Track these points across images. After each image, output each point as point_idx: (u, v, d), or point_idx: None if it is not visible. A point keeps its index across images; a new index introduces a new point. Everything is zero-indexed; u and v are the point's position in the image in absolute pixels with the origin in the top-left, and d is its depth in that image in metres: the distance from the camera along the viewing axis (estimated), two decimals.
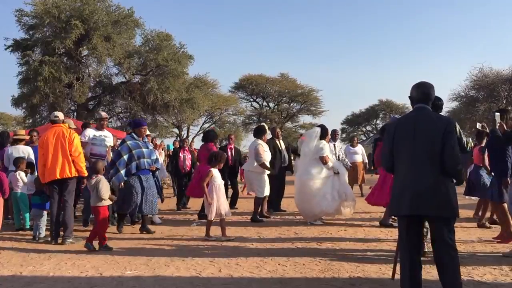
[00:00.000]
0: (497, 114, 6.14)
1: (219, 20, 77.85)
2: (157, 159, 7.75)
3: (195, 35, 73.64)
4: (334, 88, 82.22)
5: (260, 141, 8.73)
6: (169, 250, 6.04)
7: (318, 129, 8.37)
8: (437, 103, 5.44)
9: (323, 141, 8.25)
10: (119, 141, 8.42)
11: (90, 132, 7.56)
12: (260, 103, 47.42)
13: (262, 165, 8.49)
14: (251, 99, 47.15)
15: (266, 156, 8.64)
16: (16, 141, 8.77)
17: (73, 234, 6.70)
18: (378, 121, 53.45)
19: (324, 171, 8.05)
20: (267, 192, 8.59)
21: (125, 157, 7.20)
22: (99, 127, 7.78)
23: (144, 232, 7.37)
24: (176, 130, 35.37)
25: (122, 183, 7.17)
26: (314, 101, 46.21)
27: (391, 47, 78.46)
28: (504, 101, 31.03)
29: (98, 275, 4.92)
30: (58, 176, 6.52)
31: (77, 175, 6.66)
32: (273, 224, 8.12)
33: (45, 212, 7.05)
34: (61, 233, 6.65)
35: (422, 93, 3.73)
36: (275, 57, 75.93)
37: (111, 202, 6.36)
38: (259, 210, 8.61)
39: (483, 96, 31.73)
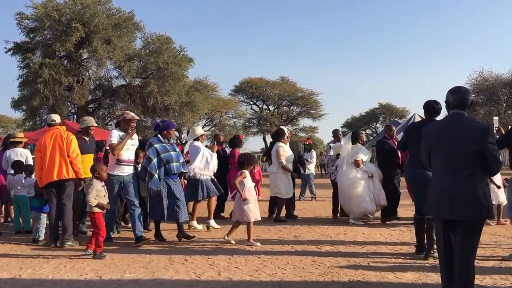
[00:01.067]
0: (495, 118, 6.23)
1: (219, 24, 78.07)
2: (183, 163, 7.36)
3: (195, 38, 73.86)
4: (334, 91, 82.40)
5: (280, 144, 8.99)
6: (169, 253, 6.03)
7: (349, 134, 8.83)
8: (435, 107, 5.58)
9: (358, 145, 8.63)
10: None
11: (116, 134, 6.72)
12: (260, 106, 47.46)
13: (284, 167, 8.78)
14: (251, 102, 47.20)
15: (288, 157, 8.94)
16: (14, 144, 8.73)
17: (72, 237, 6.70)
18: (378, 125, 53.49)
19: (360, 174, 8.38)
20: (290, 193, 9.03)
21: (155, 161, 6.83)
22: (126, 129, 6.83)
23: (181, 239, 6.95)
24: (176, 133, 35.38)
25: (158, 188, 6.78)
26: (314, 104, 46.27)
27: (392, 50, 78.64)
28: (504, 104, 31.09)
29: (97, 278, 4.91)
30: (55, 178, 6.51)
31: (74, 176, 6.66)
32: (273, 227, 8.11)
33: (44, 215, 7.05)
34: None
35: (460, 98, 3.77)
36: (275, 61, 76.08)
37: (100, 210, 5.92)
38: (281, 210, 8.99)
39: (483, 99, 31.81)
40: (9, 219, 8.80)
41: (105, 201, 5.99)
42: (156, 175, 6.80)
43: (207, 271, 5.09)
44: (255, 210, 6.73)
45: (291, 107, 47.25)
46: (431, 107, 5.64)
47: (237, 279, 4.79)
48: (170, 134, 7.19)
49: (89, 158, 7.40)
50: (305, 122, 48.19)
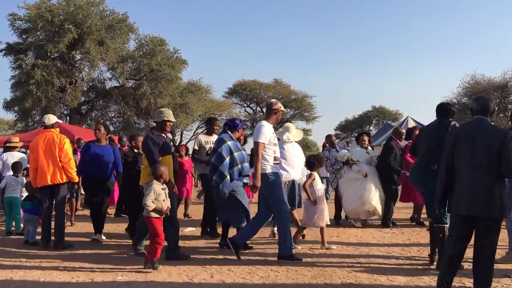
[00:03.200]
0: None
1: (213, 26, 78.07)
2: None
3: (189, 40, 73.70)
4: (328, 94, 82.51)
5: None
6: (161, 256, 5.99)
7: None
8: (448, 107, 5.52)
9: (357, 148, 8.60)
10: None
11: (271, 128, 5.92)
12: (253, 108, 47.47)
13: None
14: (245, 105, 47.23)
15: None
16: (10, 148, 9.06)
17: (65, 239, 6.66)
18: (371, 127, 53.65)
19: (352, 174, 8.35)
20: None
21: (227, 160, 6.11)
22: (275, 121, 6.09)
23: (225, 247, 6.31)
24: (170, 135, 35.28)
25: (228, 192, 6.07)
26: (308, 107, 46.37)
27: (385, 53, 78.99)
28: (496, 108, 31.24)
29: (89, 280, 4.89)
30: (49, 182, 6.49)
31: (68, 180, 6.63)
32: (265, 229, 8.09)
33: (36, 217, 7.01)
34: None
35: (482, 105, 4.19)
36: (269, 63, 76.15)
37: (158, 215, 5.26)
38: None
39: None
40: None
41: (165, 205, 5.29)
42: (228, 176, 6.12)
43: (199, 274, 5.08)
44: (324, 213, 6.46)
45: (285, 110, 47.33)
46: (444, 108, 5.51)
47: (230, 282, 4.79)
48: (239, 133, 6.66)
49: (169, 160, 6.04)
50: (298, 124, 48.18)
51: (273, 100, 6.01)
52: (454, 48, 77.19)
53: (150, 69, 22.70)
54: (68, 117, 22.94)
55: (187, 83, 27.63)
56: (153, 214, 5.22)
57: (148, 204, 5.17)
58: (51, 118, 6.86)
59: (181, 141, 35.71)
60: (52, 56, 20.89)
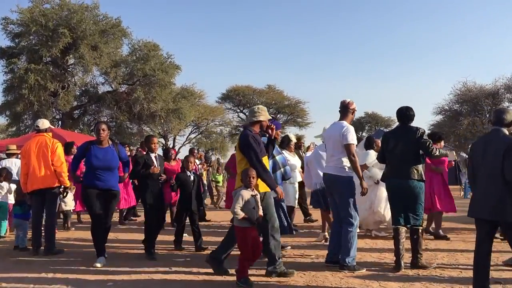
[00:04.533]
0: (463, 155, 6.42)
1: (206, 31, 78.06)
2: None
3: (183, 45, 73.60)
4: (321, 100, 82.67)
5: (283, 152, 8.47)
6: (153, 262, 5.98)
7: (362, 141, 8.52)
8: (407, 113, 5.58)
9: (369, 151, 8.03)
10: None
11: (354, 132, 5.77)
12: (246, 114, 47.52)
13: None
14: (238, 110, 47.20)
15: (291, 165, 8.17)
16: (9, 155, 9.34)
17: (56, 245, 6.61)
18: (364, 133, 53.85)
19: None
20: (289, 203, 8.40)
21: (270, 163, 5.83)
22: (351, 120, 5.94)
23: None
24: (162, 140, 35.22)
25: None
26: (301, 113, 46.44)
27: (377, 60, 79.24)
28: (488, 115, 31.52)
29: (80, 285, 4.85)
30: (41, 186, 6.45)
31: (59, 184, 6.59)
32: None
33: (26, 222, 6.96)
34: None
35: (495, 117, 4.45)
36: (262, 69, 76.24)
37: (247, 225, 4.79)
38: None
39: (466, 110, 32.20)
40: None
41: (254, 214, 4.80)
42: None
43: (192, 280, 5.05)
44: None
45: (278, 115, 47.33)
46: (403, 114, 5.63)
47: None
48: (279, 135, 6.08)
49: (266, 162, 5.40)
50: (291, 130, 48.26)
51: (349, 100, 5.85)
52: (446, 53, 77.78)
53: (144, 74, 22.63)
54: (60, 122, 22.79)
55: (180, 88, 27.57)
56: (243, 223, 4.80)
57: (237, 212, 4.73)
58: (45, 123, 6.92)
59: (173, 146, 35.64)
60: (45, 61, 20.78)
